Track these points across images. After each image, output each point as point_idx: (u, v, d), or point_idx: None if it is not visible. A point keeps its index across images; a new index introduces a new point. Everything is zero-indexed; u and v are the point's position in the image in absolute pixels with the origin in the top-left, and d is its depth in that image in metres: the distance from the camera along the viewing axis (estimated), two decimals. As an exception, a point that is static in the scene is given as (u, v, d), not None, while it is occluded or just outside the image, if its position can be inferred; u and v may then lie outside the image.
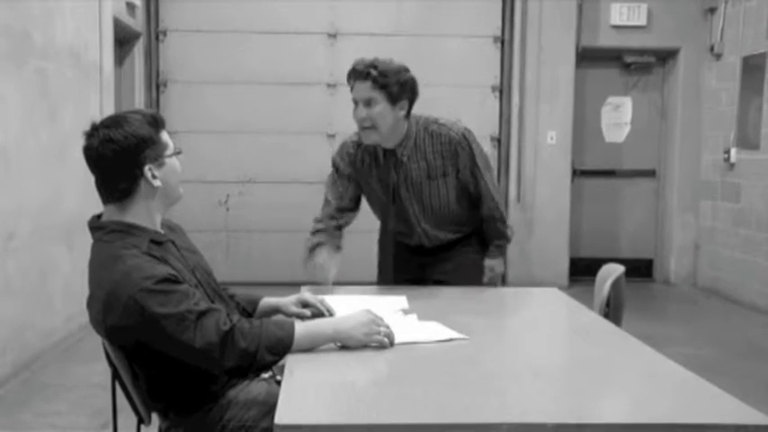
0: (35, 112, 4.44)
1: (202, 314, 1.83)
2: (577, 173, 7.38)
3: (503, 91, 7.16)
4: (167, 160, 1.97)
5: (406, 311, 2.41)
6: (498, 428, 1.50)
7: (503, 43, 7.13)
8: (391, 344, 2.00)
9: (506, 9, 7.09)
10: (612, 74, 7.45)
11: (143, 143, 1.90)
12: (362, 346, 1.97)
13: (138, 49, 6.56)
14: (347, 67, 2.73)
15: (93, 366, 4.14)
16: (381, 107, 2.66)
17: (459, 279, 2.94)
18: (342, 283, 2.81)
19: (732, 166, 6.68)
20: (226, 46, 6.94)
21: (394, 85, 2.64)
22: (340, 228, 2.93)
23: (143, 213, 1.96)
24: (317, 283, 2.76)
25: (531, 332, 2.43)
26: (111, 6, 5.54)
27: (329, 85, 6.97)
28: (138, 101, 6.52)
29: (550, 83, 7.05)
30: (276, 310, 2.34)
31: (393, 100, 2.66)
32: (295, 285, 2.71)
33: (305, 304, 2.31)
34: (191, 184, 6.06)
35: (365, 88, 2.65)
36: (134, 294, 1.79)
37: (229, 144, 7.02)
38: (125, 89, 6.38)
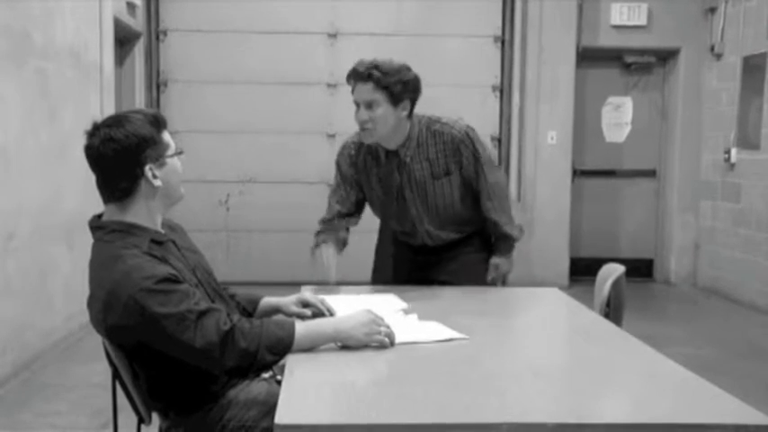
0: (35, 112, 4.44)
1: (203, 314, 1.83)
2: (578, 173, 7.38)
3: (503, 91, 7.16)
4: (168, 160, 1.97)
5: (406, 311, 2.40)
6: (498, 428, 1.50)
7: (503, 43, 7.13)
8: (392, 344, 2.00)
9: (507, 9, 7.09)
10: (613, 74, 7.45)
11: (144, 143, 1.90)
12: (363, 345, 1.97)
13: (139, 49, 6.56)
14: (347, 67, 2.71)
15: (93, 366, 4.14)
16: (383, 109, 2.64)
17: (463, 279, 2.92)
18: (343, 282, 2.81)
19: (732, 166, 6.68)
20: (226, 46, 6.95)
21: (396, 84, 2.62)
22: (347, 228, 2.93)
23: (144, 213, 1.96)
24: (318, 283, 2.76)
25: (531, 332, 2.43)
26: (111, 6, 5.54)
27: (329, 85, 6.97)
28: (139, 101, 6.52)
29: (551, 83, 7.04)
30: (276, 310, 2.34)
31: (395, 101, 2.64)
32: (295, 285, 2.71)
33: (305, 304, 2.31)
34: (191, 183, 6.06)
35: (367, 90, 2.63)
36: (134, 294, 1.79)
37: (230, 144, 7.02)
38: (125, 89, 6.38)
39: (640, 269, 7.46)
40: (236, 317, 1.91)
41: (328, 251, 2.79)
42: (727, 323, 6.04)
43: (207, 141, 6.92)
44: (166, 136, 1.98)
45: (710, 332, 5.63)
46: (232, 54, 6.95)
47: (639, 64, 7.33)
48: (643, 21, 7.12)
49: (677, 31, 7.16)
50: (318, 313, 2.27)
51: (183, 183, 2.05)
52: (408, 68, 2.70)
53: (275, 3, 6.95)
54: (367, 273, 3.18)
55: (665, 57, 7.40)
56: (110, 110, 5.35)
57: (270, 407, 1.78)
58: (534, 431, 1.52)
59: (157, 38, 6.91)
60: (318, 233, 2.89)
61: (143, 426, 2.09)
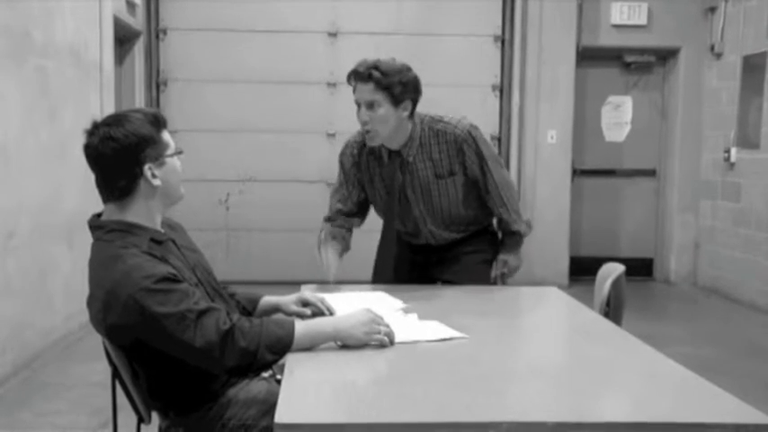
0: (35, 111, 4.44)
1: (202, 313, 1.83)
2: (578, 172, 7.38)
3: (503, 90, 7.15)
4: (168, 160, 1.97)
5: (406, 311, 2.40)
6: (498, 427, 1.50)
7: (503, 42, 7.13)
8: (391, 343, 2.00)
9: (507, 8, 7.08)
10: (613, 73, 7.45)
11: (143, 142, 1.90)
12: (363, 345, 1.97)
13: (139, 48, 6.56)
14: (348, 66, 2.71)
15: (93, 365, 4.14)
16: (384, 110, 2.63)
17: (466, 279, 2.92)
18: (344, 281, 2.80)
19: (732, 165, 6.68)
20: (226, 45, 6.94)
21: (396, 85, 2.62)
22: (350, 229, 2.93)
23: (143, 212, 1.96)
24: (319, 282, 2.76)
25: (531, 331, 2.43)
26: (111, 5, 5.54)
27: (329, 84, 6.97)
28: (139, 100, 6.52)
29: (551, 82, 7.04)
30: (276, 309, 2.34)
31: (396, 101, 2.64)
32: (295, 284, 2.71)
33: (305, 303, 2.31)
34: (191, 182, 6.04)
35: (367, 90, 2.63)
36: (134, 294, 1.79)
37: (230, 143, 7.02)
38: (125, 88, 6.38)
39: (640, 268, 7.46)
40: (235, 316, 1.91)
41: (329, 250, 2.79)
42: (726, 323, 6.04)
43: (207, 140, 6.92)
44: (166, 135, 1.97)
45: (710, 331, 5.63)
46: (232, 53, 6.95)
47: (639, 63, 7.33)
48: (643, 20, 7.12)
49: (677, 31, 7.16)
50: (318, 312, 2.27)
51: (183, 182, 2.05)
52: (409, 69, 2.69)
53: (275, 2, 6.95)
54: (368, 272, 3.17)
55: (665, 56, 7.40)
56: (110, 109, 5.35)
57: (270, 406, 1.78)
58: (534, 430, 1.52)
59: (157, 37, 6.90)
60: (321, 231, 2.89)
61: (143, 425, 2.09)
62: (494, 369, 1.89)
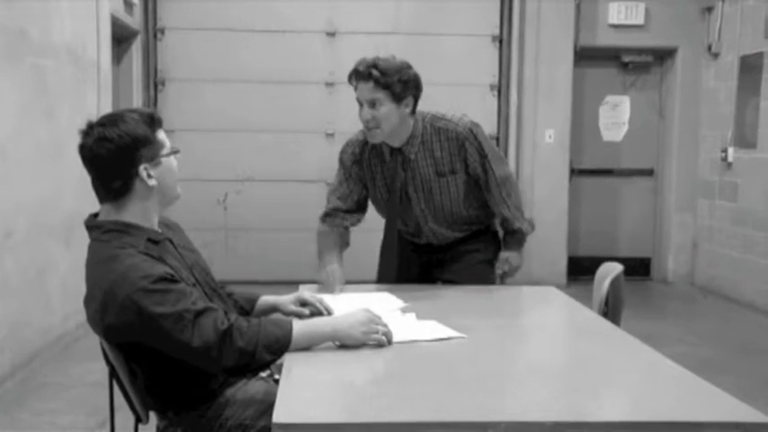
0: (32, 110, 4.43)
1: (200, 313, 1.83)
2: (575, 172, 7.38)
3: (501, 90, 7.15)
4: (163, 160, 1.96)
5: (404, 310, 2.40)
6: (496, 427, 1.50)
7: (501, 42, 7.13)
8: (389, 343, 2.00)
9: (505, 8, 7.08)
10: (610, 73, 7.46)
11: (138, 142, 1.90)
12: (361, 344, 1.97)
13: (136, 48, 6.55)
14: (346, 66, 2.71)
15: (90, 365, 4.14)
16: (386, 108, 2.63)
17: (467, 279, 2.91)
18: (347, 281, 2.79)
19: (730, 165, 6.69)
20: (224, 44, 6.94)
21: (397, 84, 2.62)
22: (348, 228, 2.92)
23: (139, 212, 1.95)
24: (317, 282, 2.76)
25: (529, 331, 2.43)
26: (108, 4, 5.54)
27: (328, 84, 6.96)
28: (136, 99, 6.51)
29: (548, 82, 7.05)
30: (274, 309, 2.34)
31: (397, 98, 2.64)
32: (293, 284, 2.71)
33: (303, 303, 2.31)
34: (189, 182, 6.04)
35: (368, 89, 2.63)
36: (131, 294, 1.78)
37: (228, 142, 7.01)
38: (123, 87, 6.37)
39: (638, 268, 7.46)
40: (233, 316, 1.91)
41: (333, 270, 2.76)
42: (724, 322, 6.04)
43: (205, 140, 6.91)
44: (161, 135, 1.97)
45: (708, 331, 5.63)
46: (230, 52, 6.94)
47: (637, 63, 7.33)
48: (640, 20, 7.13)
49: (675, 31, 7.17)
50: (316, 312, 2.27)
51: (180, 182, 2.05)
52: (409, 66, 2.69)
53: (274, 1, 6.94)
54: (370, 272, 3.15)
55: (663, 56, 7.40)
56: (107, 108, 5.34)
57: (267, 405, 1.78)
58: (532, 429, 1.52)
59: (155, 36, 6.89)
60: (321, 253, 2.84)
61: (140, 424, 2.09)
62: (492, 369, 1.89)
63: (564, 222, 7.16)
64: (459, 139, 2.76)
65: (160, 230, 2.03)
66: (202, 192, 6.85)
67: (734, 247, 6.63)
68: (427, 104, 2.89)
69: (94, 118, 1.94)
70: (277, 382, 1.89)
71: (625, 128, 7.53)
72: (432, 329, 2.16)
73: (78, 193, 4.64)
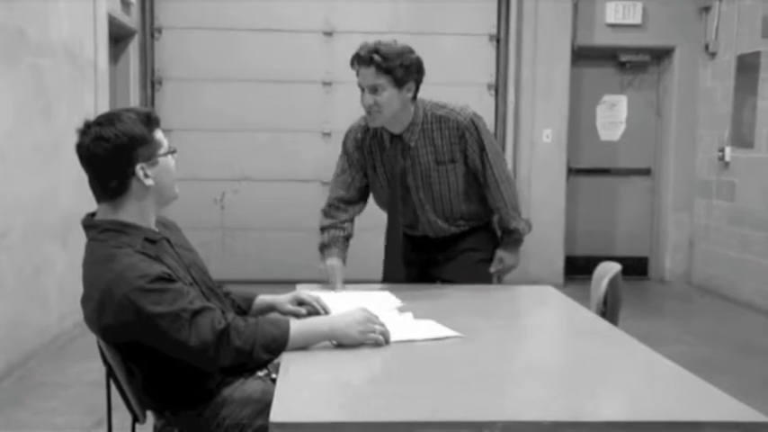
0: (30, 109, 4.42)
1: (197, 313, 1.82)
2: (573, 171, 7.39)
3: (498, 89, 7.16)
4: (161, 159, 1.96)
5: (401, 310, 2.40)
6: (494, 426, 1.49)
7: (498, 41, 7.13)
8: (387, 342, 2.00)
9: (502, 7, 7.08)
10: (608, 72, 7.46)
11: (135, 142, 1.89)
12: (358, 344, 1.97)
13: (133, 47, 6.54)
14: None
15: (88, 364, 4.14)
16: (388, 93, 2.62)
17: (464, 279, 2.90)
18: (349, 281, 2.79)
19: (727, 164, 6.69)
20: (221, 43, 6.93)
21: (398, 68, 2.60)
22: (351, 219, 2.91)
23: (136, 212, 1.95)
24: (314, 281, 2.75)
25: (527, 330, 2.43)
26: (105, 4, 5.53)
27: (325, 84, 6.96)
28: (133, 99, 6.50)
29: (546, 81, 7.05)
30: (271, 308, 2.34)
31: (399, 83, 2.62)
32: (290, 283, 2.70)
33: (300, 302, 2.31)
34: (186, 181, 6.01)
35: (370, 74, 2.61)
36: (128, 293, 1.78)
37: (225, 142, 7.00)
38: (120, 87, 6.36)
39: (635, 267, 7.47)
40: (230, 315, 1.91)
41: (334, 267, 2.76)
42: (721, 321, 6.05)
43: (202, 139, 6.90)
44: (159, 135, 1.97)
45: (705, 330, 5.64)
46: (227, 52, 6.93)
47: (634, 62, 7.34)
48: (638, 19, 7.13)
49: (672, 30, 7.18)
50: (313, 311, 2.26)
51: (177, 181, 2.04)
52: (411, 51, 2.68)
53: (271, 1, 6.93)
54: (372, 271, 3.14)
55: (660, 55, 7.41)
56: (104, 108, 5.33)
57: (265, 405, 1.78)
58: (530, 429, 1.52)
59: (152, 35, 6.88)
60: (323, 246, 2.84)
61: (137, 424, 2.09)
62: (489, 368, 1.89)
63: (561, 222, 7.17)
64: (459, 128, 2.75)
65: (157, 230, 2.02)
66: (199, 191, 6.84)
67: (731, 246, 6.64)
68: (425, 104, 2.88)
69: (92, 117, 1.94)
70: (274, 381, 1.89)
71: (622, 127, 7.53)
72: (429, 329, 2.16)
73: (75, 193, 4.63)
